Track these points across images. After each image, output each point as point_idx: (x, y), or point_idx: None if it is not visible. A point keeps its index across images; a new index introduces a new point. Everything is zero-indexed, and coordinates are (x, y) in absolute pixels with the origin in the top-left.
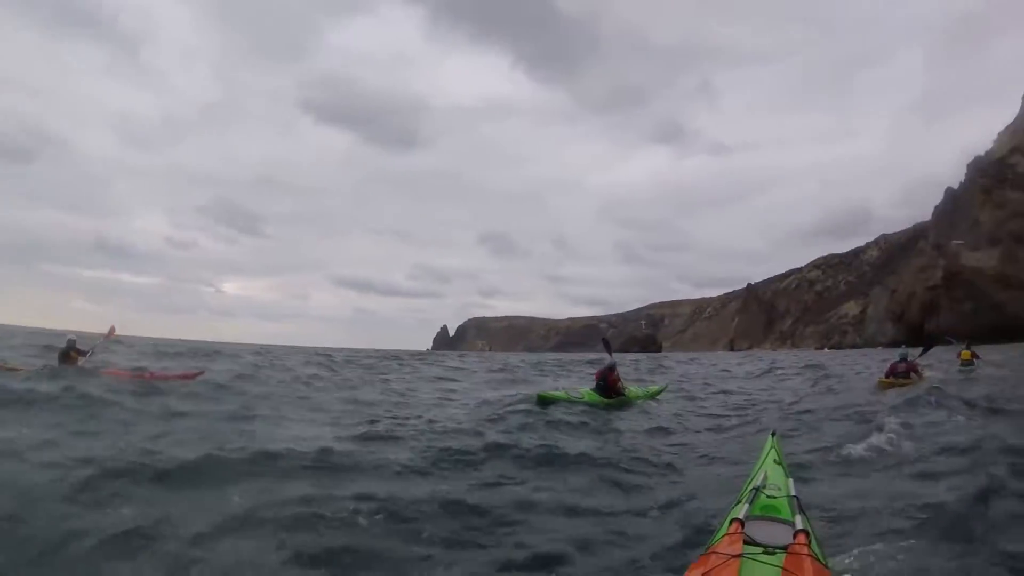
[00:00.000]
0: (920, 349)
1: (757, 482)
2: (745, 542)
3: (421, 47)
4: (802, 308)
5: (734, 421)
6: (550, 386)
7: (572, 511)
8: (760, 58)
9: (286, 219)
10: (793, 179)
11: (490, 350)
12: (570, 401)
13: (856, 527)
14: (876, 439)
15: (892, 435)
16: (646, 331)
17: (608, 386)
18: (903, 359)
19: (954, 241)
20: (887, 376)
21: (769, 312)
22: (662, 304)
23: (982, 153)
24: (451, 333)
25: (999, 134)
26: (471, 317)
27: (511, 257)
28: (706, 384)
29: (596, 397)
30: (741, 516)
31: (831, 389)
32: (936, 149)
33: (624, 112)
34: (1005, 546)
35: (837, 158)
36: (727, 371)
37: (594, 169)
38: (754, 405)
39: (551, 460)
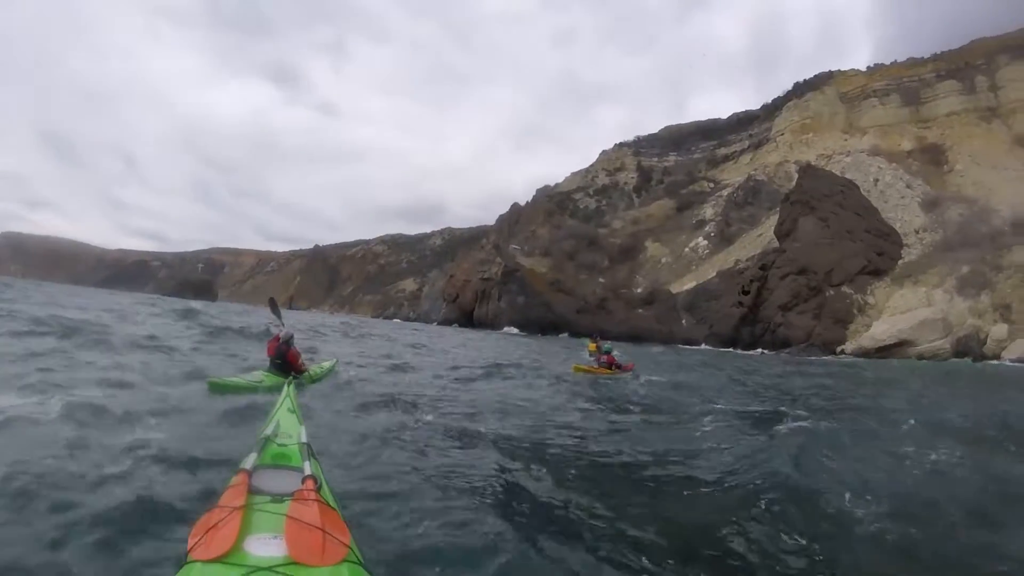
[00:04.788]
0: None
1: (268, 431)
2: (253, 492)
3: None
4: (364, 277)
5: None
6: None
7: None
8: (398, 39)
9: None
10: (386, 160)
11: (23, 277)
12: (250, 389)
13: (367, 472)
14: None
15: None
16: (203, 276)
17: (288, 363)
18: (607, 352)
19: (512, 246)
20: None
21: (332, 276)
22: (225, 251)
23: (552, 184)
24: None
25: (572, 174)
26: (6, 232)
27: (71, 165)
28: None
29: (276, 378)
30: (248, 467)
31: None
32: (513, 169)
33: (246, 35)
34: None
35: (430, 152)
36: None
37: (190, 87)
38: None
39: None
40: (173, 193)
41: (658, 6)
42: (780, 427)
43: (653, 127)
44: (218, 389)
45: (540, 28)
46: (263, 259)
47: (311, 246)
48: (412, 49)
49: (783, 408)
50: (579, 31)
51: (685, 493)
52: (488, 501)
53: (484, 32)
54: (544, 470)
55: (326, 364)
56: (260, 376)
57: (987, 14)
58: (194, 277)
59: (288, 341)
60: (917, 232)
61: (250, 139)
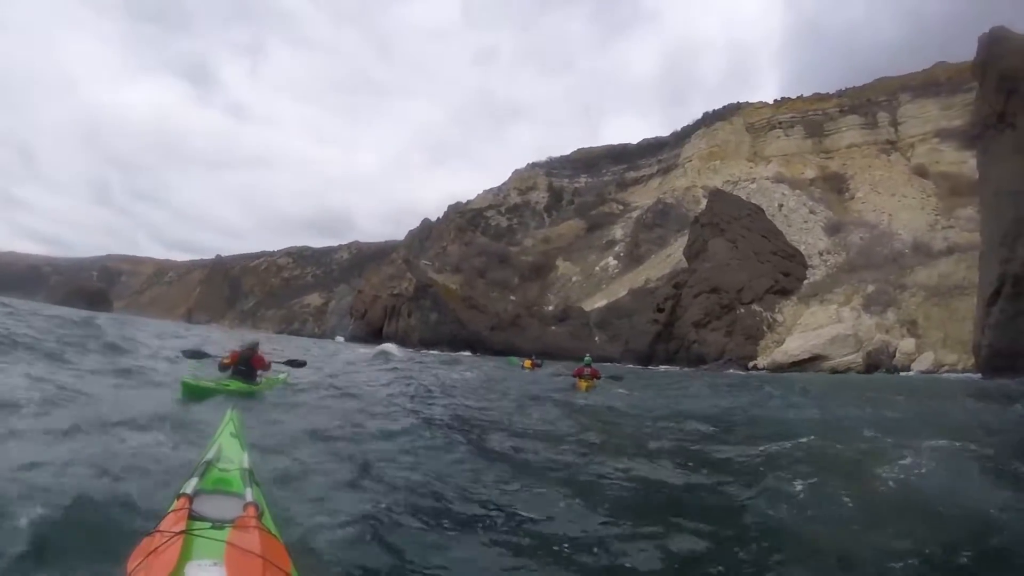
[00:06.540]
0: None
1: (210, 455)
2: (193, 517)
3: None
4: (267, 291)
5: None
6: None
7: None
8: (317, 45)
9: None
10: (295, 168)
11: None
12: (219, 391)
13: (311, 494)
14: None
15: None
16: (97, 284)
17: (252, 368)
18: (588, 365)
19: (423, 262)
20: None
21: (234, 288)
22: (123, 258)
23: (463, 201)
24: None
25: (484, 192)
26: None
27: None
28: None
29: (241, 384)
30: (189, 491)
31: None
32: (424, 185)
33: (160, 27)
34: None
35: (340, 163)
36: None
37: (98, 80)
38: None
39: None
40: (71, 193)
41: (578, 32)
42: None
43: (565, 149)
44: (191, 391)
45: (461, 44)
46: (162, 268)
47: (212, 256)
48: (330, 56)
49: None
50: (499, 50)
51: None
52: (449, 525)
53: (404, 44)
54: (514, 482)
55: (281, 376)
56: (228, 381)
57: (889, 55)
58: (88, 286)
59: (253, 347)
60: (821, 254)
61: (156, 138)
